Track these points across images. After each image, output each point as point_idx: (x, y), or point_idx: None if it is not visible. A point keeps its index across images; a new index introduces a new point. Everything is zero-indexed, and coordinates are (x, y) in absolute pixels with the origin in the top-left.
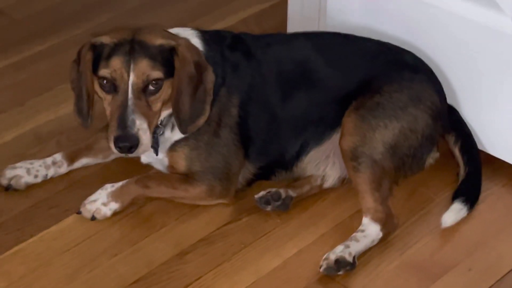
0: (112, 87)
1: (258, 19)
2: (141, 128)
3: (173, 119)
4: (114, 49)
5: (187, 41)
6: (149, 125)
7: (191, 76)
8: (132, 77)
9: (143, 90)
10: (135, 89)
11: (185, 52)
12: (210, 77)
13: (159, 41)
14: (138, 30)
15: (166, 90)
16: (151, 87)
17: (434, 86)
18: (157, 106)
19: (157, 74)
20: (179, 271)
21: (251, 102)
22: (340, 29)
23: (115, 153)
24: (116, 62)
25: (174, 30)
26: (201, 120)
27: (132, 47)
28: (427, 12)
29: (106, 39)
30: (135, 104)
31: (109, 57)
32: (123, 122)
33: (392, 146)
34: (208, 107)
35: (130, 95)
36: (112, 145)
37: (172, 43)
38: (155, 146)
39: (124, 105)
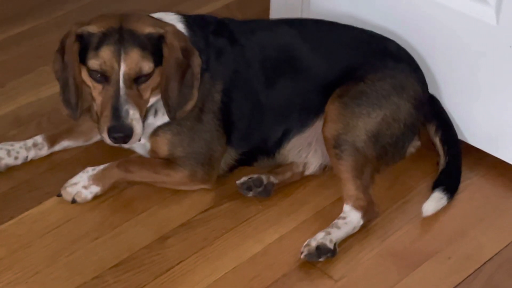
0: (103, 77)
1: (241, 5)
2: (134, 118)
3: (156, 105)
4: (103, 38)
5: (174, 28)
6: (141, 114)
7: (179, 63)
8: (123, 67)
9: (134, 80)
10: (127, 79)
11: (173, 39)
12: (197, 61)
13: (147, 29)
14: (124, 18)
15: (155, 78)
16: (141, 77)
17: (416, 76)
18: (147, 94)
19: (148, 63)
20: (160, 255)
21: (235, 88)
22: (323, 17)
23: (108, 143)
24: (106, 53)
25: (157, 15)
26: (189, 105)
27: (121, 36)
28: (410, 1)
29: (92, 29)
30: (127, 94)
31: (98, 47)
32: (117, 113)
33: (375, 134)
34: (196, 92)
35: (121, 85)
36: (105, 136)
37: (161, 31)
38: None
39: (116, 96)
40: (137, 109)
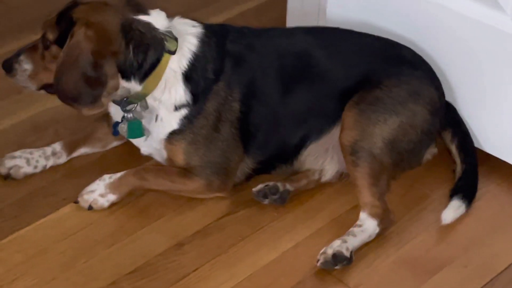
0: None
1: (257, 13)
2: (21, 64)
3: (158, 110)
4: None
5: (99, 24)
6: (34, 73)
7: (81, 57)
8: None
9: (44, 44)
10: (41, 38)
11: (81, 32)
12: (109, 70)
13: (78, 11)
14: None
15: (55, 54)
16: (47, 43)
17: (432, 82)
18: (50, 64)
19: (51, 34)
20: (176, 262)
21: (253, 96)
22: (339, 24)
23: None
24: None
25: (176, 21)
26: (96, 109)
27: (67, 6)
28: (426, 8)
29: None
30: (33, 47)
31: None
32: (16, 53)
33: (391, 141)
34: (106, 101)
35: (40, 39)
36: None
37: (80, 17)
38: (116, 128)
39: (31, 43)
40: (31, 62)
